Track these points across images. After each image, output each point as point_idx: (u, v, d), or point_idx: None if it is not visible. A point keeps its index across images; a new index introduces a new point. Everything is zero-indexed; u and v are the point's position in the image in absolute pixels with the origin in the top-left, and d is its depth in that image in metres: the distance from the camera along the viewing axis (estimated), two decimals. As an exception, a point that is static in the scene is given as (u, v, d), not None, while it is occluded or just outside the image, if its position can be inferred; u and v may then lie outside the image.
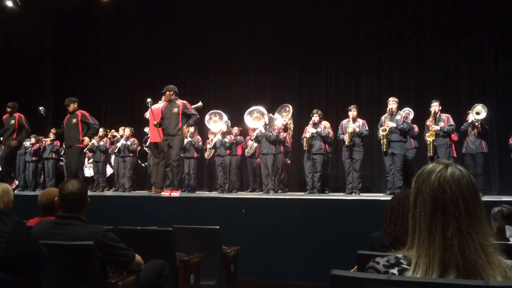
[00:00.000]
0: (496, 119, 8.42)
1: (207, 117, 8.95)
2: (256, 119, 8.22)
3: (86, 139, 7.17)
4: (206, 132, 9.33)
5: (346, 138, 7.11)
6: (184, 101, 6.83)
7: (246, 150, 8.83)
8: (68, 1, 11.93)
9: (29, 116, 8.23)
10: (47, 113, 8.95)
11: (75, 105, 7.25)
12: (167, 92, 6.76)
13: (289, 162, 8.74)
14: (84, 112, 7.27)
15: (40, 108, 8.09)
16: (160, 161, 7.12)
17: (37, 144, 10.19)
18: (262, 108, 8.30)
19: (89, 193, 2.53)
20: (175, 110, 6.63)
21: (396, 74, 9.74)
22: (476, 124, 6.87)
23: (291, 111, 8.29)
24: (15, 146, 7.92)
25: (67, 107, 7.24)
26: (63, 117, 7.49)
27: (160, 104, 7.23)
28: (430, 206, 1.17)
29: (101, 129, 9.67)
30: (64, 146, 7.72)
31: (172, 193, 6.45)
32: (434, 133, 6.68)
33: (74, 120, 7.13)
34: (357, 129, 7.08)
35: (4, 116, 7.90)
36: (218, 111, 9.05)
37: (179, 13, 11.83)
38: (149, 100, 7.14)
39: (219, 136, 8.66)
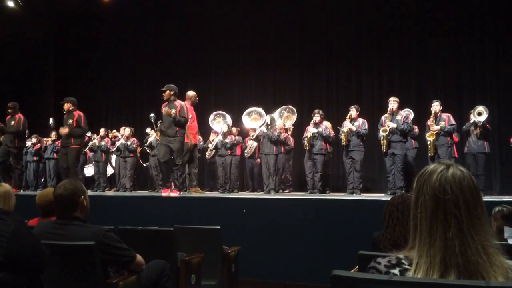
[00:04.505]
0: (498, 119, 8.41)
1: (211, 117, 8.96)
2: (254, 120, 8.23)
3: (66, 129, 6.97)
4: (207, 132, 9.32)
5: (342, 137, 7.13)
6: (183, 103, 6.70)
7: (245, 151, 8.83)
8: (69, 1, 11.94)
9: (29, 116, 8.24)
10: (49, 116, 9.00)
11: (69, 105, 7.14)
12: (167, 91, 6.60)
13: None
14: (81, 114, 7.17)
15: (50, 119, 8.10)
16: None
17: (38, 144, 10.20)
18: (260, 109, 8.31)
19: (90, 193, 2.53)
20: (173, 111, 6.43)
21: (397, 74, 9.74)
22: (479, 124, 6.86)
23: (294, 117, 8.30)
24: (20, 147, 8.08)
25: (63, 106, 7.21)
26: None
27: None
28: (431, 207, 1.17)
29: (102, 129, 9.71)
30: (60, 145, 7.67)
31: (171, 193, 6.43)
32: (434, 132, 6.67)
33: (70, 121, 7.05)
34: (354, 128, 7.07)
35: (7, 118, 7.91)
36: (223, 112, 9.04)
37: (179, 13, 11.83)
38: (152, 115, 7.10)
39: (220, 137, 8.67)
